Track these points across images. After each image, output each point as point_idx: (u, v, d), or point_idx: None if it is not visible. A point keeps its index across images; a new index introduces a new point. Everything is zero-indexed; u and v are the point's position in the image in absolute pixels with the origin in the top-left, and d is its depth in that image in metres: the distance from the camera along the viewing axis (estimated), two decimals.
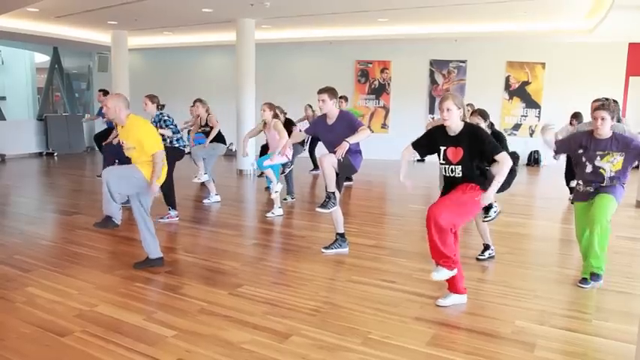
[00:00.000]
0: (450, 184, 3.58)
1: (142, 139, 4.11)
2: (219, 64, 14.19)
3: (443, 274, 3.50)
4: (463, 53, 12.24)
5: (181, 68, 14.57)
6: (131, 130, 4.14)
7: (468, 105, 4.73)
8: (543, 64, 11.79)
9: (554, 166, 8.71)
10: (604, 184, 3.82)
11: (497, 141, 4.39)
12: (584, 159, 3.84)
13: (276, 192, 6.43)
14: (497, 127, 12.82)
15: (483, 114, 4.71)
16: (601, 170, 3.79)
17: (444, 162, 3.55)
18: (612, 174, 3.77)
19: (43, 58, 15.55)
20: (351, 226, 6.06)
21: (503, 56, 12.00)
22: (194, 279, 4.19)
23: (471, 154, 3.44)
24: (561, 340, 3.17)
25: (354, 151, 4.67)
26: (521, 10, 8.98)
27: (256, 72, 10.77)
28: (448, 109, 3.43)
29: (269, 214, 6.47)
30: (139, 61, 14.72)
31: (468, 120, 3.64)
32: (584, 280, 3.97)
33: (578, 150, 3.90)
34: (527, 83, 12.01)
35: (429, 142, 3.66)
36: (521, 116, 12.15)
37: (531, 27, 10.41)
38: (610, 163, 3.75)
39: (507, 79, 12.13)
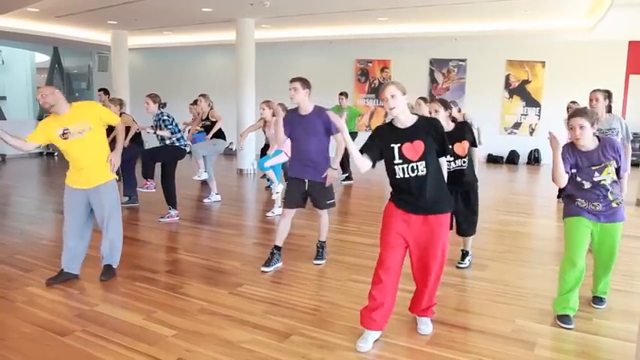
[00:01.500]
0: (411, 192, 2.93)
1: (101, 115, 3.96)
2: (219, 64, 14.19)
3: (430, 324, 3.24)
4: (463, 52, 12.23)
5: (181, 68, 14.57)
6: (83, 110, 3.91)
7: (451, 102, 4.53)
8: (543, 63, 11.78)
9: None
10: (611, 199, 3.28)
11: (463, 132, 4.11)
12: (579, 179, 3.27)
13: (277, 192, 6.44)
14: (496, 126, 12.78)
15: (444, 102, 4.17)
16: (602, 182, 3.24)
17: (400, 161, 2.90)
18: (611, 181, 3.25)
19: (43, 58, 15.55)
20: (351, 225, 6.08)
21: (503, 55, 11.99)
22: (194, 278, 4.19)
23: (432, 146, 2.90)
24: (561, 339, 3.18)
25: (325, 161, 4.36)
26: (521, 8, 8.97)
27: (256, 71, 10.77)
28: (393, 96, 2.87)
29: (269, 214, 6.47)
30: (139, 61, 14.73)
31: (419, 111, 3.11)
32: (566, 318, 3.34)
33: (572, 170, 3.29)
34: (527, 82, 12.00)
35: (376, 145, 2.99)
36: (522, 115, 12.14)
37: (531, 25, 10.39)
38: (611, 174, 3.21)
39: (507, 77, 12.13)
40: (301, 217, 6.39)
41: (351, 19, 10.52)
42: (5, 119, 13.64)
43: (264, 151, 7.75)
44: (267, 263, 4.40)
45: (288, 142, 6.67)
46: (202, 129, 7.25)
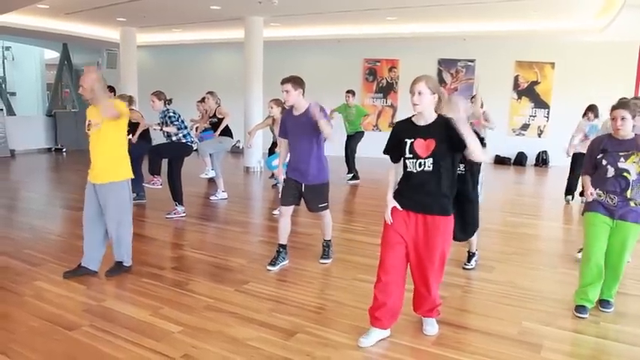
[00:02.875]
0: (414, 185, 2.97)
1: (113, 105, 3.88)
2: (228, 62, 14.21)
3: (435, 324, 3.22)
4: (472, 52, 12.17)
5: (189, 65, 14.60)
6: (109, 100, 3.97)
7: (472, 97, 4.42)
8: (553, 64, 11.70)
9: (562, 166, 8.68)
10: (629, 197, 3.33)
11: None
12: (604, 162, 3.40)
13: None
14: (505, 127, 12.68)
15: None
16: (625, 174, 3.33)
17: (410, 156, 2.94)
18: (636, 177, 3.31)
19: (52, 55, 15.65)
20: (358, 225, 6.08)
21: (512, 56, 11.92)
22: (201, 275, 4.21)
23: (445, 146, 2.87)
24: (568, 342, 3.17)
25: (319, 167, 4.33)
26: (531, 9, 8.93)
27: (264, 70, 10.78)
28: (420, 93, 2.91)
29: (276, 212, 6.47)
30: (148, 58, 14.77)
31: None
32: (581, 308, 3.49)
33: (599, 155, 3.45)
34: (536, 83, 11.93)
35: (395, 144, 3.05)
36: (530, 116, 12.08)
37: (541, 26, 10.33)
38: (636, 164, 3.30)
39: (516, 78, 12.06)
40: (308, 216, 6.39)
41: (360, 19, 10.51)
42: (15, 115, 13.75)
43: (271, 150, 7.76)
44: (273, 262, 4.41)
45: None
46: (210, 127, 7.27)
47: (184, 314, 3.41)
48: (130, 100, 6.80)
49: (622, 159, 3.33)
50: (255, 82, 10.63)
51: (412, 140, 2.94)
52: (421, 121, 2.97)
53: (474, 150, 2.82)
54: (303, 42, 12.50)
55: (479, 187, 4.39)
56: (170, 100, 6.32)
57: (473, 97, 7.50)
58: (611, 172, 3.37)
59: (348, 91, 9.04)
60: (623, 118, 3.33)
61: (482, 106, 7.09)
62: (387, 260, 3.02)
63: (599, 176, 3.45)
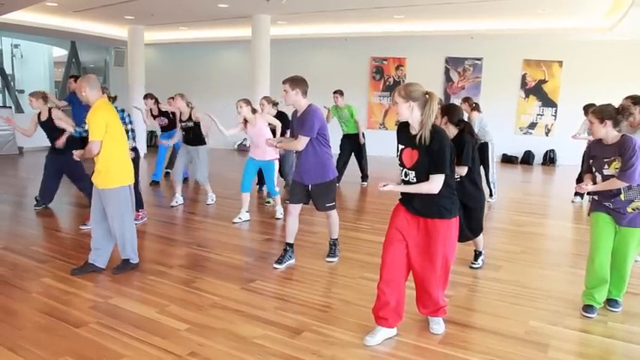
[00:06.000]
0: (408, 192, 2.96)
1: (89, 121, 3.90)
2: (235, 60, 14.21)
3: (442, 323, 3.20)
4: (479, 51, 12.11)
5: (197, 63, 14.61)
6: (91, 110, 3.94)
7: (465, 98, 4.33)
8: (561, 63, 11.62)
9: (570, 165, 8.61)
10: (624, 199, 3.30)
11: (461, 148, 3.81)
12: (594, 169, 3.43)
13: (282, 214, 6.17)
14: (512, 125, 12.56)
15: (450, 110, 3.93)
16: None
17: (399, 163, 2.95)
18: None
19: (60, 52, 15.74)
20: (364, 224, 6.06)
21: (519, 54, 11.84)
22: (207, 273, 4.22)
23: (427, 160, 2.82)
24: (575, 342, 3.15)
25: (319, 166, 4.30)
26: (539, 7, 8.87)
27: (271, 68, 10.78)
28: (396, 103, 2.85)
29: (279, 215, 6.30)
30: (155, 56, 14.81)
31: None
32: (588, 308, 3.48)
33: (590, 160, 3.46)
34: (543, 82, 11.85)
35: (398, 144, 3.02)
36: (537, 115, 12.00)
37: (549, 25, 10.25)
38: (617, 170, 3.26)
39: (524, 77, 11.99)
40: (314, 215, 6.38)
41: (367, 17, 10.48)
42: (23, 112, 13.82)
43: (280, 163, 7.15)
44: (280, 260, 4.41)
45: (272, 149, 5.90)
46: (168, 127, 7.26)
47: (191, 312, 3.42)
48: (44, 98, 5.86)
49: (606, 165, 3.32)
50: (262, 80, 10.64)
51: (403, 147, 2.94)
52: (413, 129, 2.89)
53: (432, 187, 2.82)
54: (310, 40, 12.49)
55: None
56: (115, 98, 5.47)
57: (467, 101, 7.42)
58: (599, 178, 3.39)
59: (335, 92, 8.36)
60: (591, 122, 3.32)
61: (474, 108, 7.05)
62: (387, 257, 3.03)
63: (595, 181, 3.45)
